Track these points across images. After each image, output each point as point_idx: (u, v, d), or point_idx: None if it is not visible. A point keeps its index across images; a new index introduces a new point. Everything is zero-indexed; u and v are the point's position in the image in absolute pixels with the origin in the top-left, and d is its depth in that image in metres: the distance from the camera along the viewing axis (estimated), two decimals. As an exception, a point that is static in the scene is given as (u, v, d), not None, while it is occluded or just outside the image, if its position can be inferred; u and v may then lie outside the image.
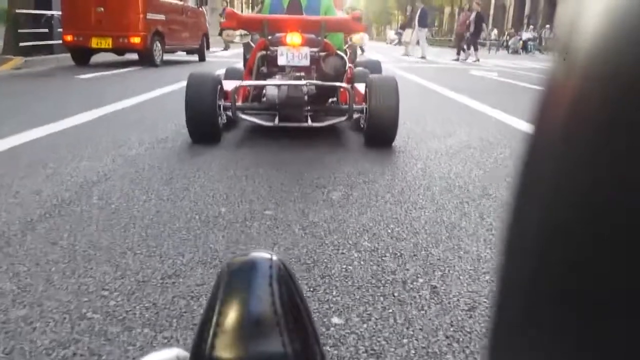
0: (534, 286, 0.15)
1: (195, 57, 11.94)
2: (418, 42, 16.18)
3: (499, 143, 3.43)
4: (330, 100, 3.58)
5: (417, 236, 1.83)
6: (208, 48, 13.49)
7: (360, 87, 3.66)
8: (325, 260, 1.62)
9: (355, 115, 3.22)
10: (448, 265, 1.60)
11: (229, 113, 3.17)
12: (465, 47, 15.73)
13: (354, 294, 1.41)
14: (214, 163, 2.71)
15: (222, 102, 3.20)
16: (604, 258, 0.12)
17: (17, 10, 9.42)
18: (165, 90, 5.73)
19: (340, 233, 1.83)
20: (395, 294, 1.42)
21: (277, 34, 3.39)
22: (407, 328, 1.26)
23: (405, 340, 1.21)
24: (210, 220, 1.91)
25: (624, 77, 0.12)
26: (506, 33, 34.46)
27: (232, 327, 0.25)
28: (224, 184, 2.36)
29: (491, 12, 50.55)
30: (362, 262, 1.60)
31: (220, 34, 4.03)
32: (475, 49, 15.48)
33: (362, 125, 3.32)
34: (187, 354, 0.28)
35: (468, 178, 2.57)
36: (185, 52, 11.81)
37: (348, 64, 3.06)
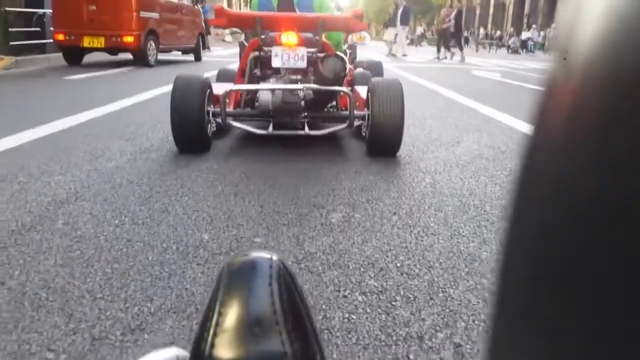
0: (534, 286, 0.15)
1: (191, 57, 11.65)
2: (396, 40, 15.87)
3: (512, 152, 3.16)
4: (328, 105, 3.31)
5: (431, 272, 1.56)
6: (205, 47, 13.24)
7: (361, 90, 3.39)
8: (323, 305, 1.35)
9: (357, 123, 2.95)
10: (472, 312, 1.33)
11: (219, 120, 2.89)
12: (446, 45, 15.31)
13: (360, 358, 1.14)
14: (200, 177, 2.44)
15: (211, 108, 2.92)
16: (603, 258, 0.12)
17: (7, 8, 9.14)
18: (156, 92, 5.45)
19: (341, 268, 1.56)
20: (411, 356, 1.15)
21: (271, 33, 3.12)
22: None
23: None
24: (189, 252, 1.64)
25: (623, 77, 0.12)
26: (507, 33, 34.23)
27: (231, 327, 0.25)
28: (209, 203, 2.09)
29: (491, 10, 50.27)
30: (368, 309, 1.33)
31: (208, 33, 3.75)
32: (460, 48, 15.06)
33: (363, 134, 3.05)
34: (186, 354, 0.28)
35: (483, 195, 2.30)
36: (180, 52, 11.54)
37: (348, 66, 2.79)
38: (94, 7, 8.88)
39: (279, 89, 2.84)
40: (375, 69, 5.11)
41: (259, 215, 1.97)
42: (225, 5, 17.18)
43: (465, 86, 7.26)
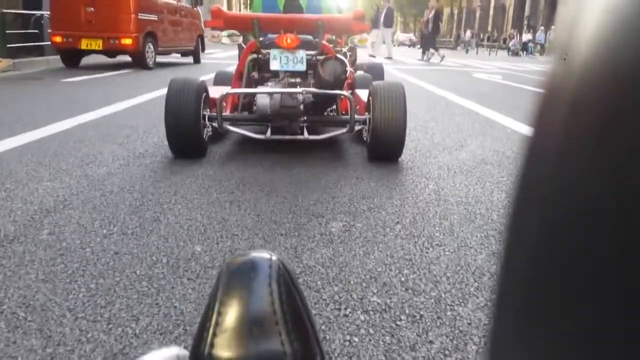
0: (534, 286, 0.15)
1: (191, 59, 11.56)
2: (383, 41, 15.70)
3: (517, 157, 3.06)
4: (328, 109, 3.21)
5: (438, 287, 1.46)
6: (203, 50, 13.15)
7: (362, 94, 3.30)
8: (323, 326, 1.25)
9: (357, 127, 2.86)
10: (483, 334, 1.23)
11: (215, 124, 2.80)
12: (429, 46, 15.09)
13: (362, 387, 1.04)
14: (195, 184, 2.34)
15: (207, 112, 2.83)
16: (603, 258, 0.12)
17: (4, 10, 9.06)
18: (154, 95, 5.37)
19: (342, 283, 1.46)
20: (417, 386, 1.05)
21: (270, 35, 3.03)
22: None
23: None
24: (180, 265, 1.54)
25: (623, 77, 0.12)
26: (508, 35, 34.20)
27: (231, 327, 0.25)
28: (203, 212, 1.99)
29: (491, 12, 50.24)
30: (371, 330, 1.23)
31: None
32: (435, 49, 14.85)
33: (365, 138, 2.95)
34: (187, 353, 0.28)
35: (490, 203, 2.20)
36: (179, 54, 11.46)
37: (349, 69, 2.70)
38: (92, 9, 8.80)
39: (277, 93, 2.75)
40: (376, 71, 5.02)
41: (255, 225, 1.87)
42: (225, 7, 17.11)
43: (466, 89, 7.17)
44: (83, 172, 2.48)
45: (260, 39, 2.97)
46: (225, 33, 3.33)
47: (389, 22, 15.37)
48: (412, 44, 42.31)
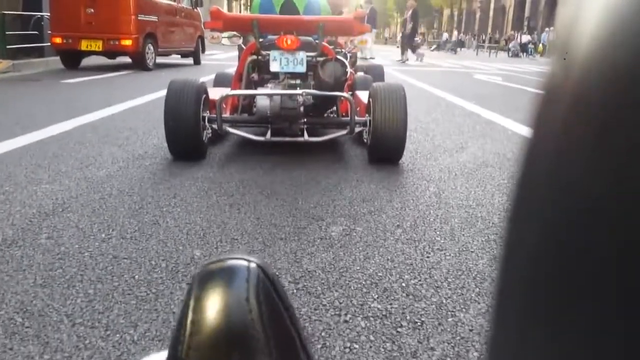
0: (534, 286, 0.15)
1: (191, 61, 11.56)
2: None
3: (517, 157, 3.05)
4: (328, 111, 3.20)
5: (439, 292, 1.45)
6: (204, 51, 13.15)
7: (363, 95, 3.29)
8: (322, 332, 1.24)
9: (358, 129, 2.84)
10: (485, 340, 1.22)
11: (215, 126, 2.79)
12: (411, 46, 14.88)
13: (362, 395, 1.03)
14: (194, 186, 2.33)
15: (207, 114, 2.82)
16: (603, 258, 0.12)
17: (4, 12, 9.05)
18: (154, 97, 5.35)
19: (342, 288, 1.45)
20: (419, 394, 1.04)
21: (270, 37, 3.02)
22: None
23: None
24: (179, 270, 1.53)
25: (623, 77, 0.12)
26: (508, 36, 34.23)
27: (206, 354, 0.22)
28: (202, 215, 1.98)
29: (490, 14, 50.25)
30: (371, 337, 1.22)
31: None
32: (413, 50, 14.66)
33: (365, 140, 2.94)
34: None
35: (491, 206, 2.19)
36: (180, 55, 11.45)
37: (349, 70, 2.69)
38: (92, 10, 8.80)
39: (277, 95, 2.74)
40: (376, 72, 5.01)
41: (254, 229, 1.86)
42: (225, 9, 17.04)
43: (466, 90, 7.17)
44: (82, 175, 2.47)
45: (260, 40, 2.96)
46: (225, 34, 3.32)
47: (372, 23, 15.33)
48: (418, 46, 41.97)
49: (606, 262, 0.12)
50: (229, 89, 3.18)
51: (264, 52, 2.93)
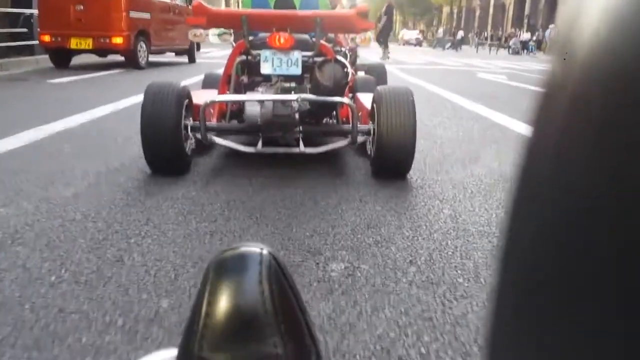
0: (533, 285, 0.15)
1: (185, 59, 11.22)
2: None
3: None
4: (327, 117, 2.88)
5: (468, 363, 1.13)
6: (199, 48, 12.81)
7: (365, 98, 2.97)
8: None
9: (360, 139, 2.53)
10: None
11: (199, 135, 2.47)
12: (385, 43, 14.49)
13: None
14: (172, 209, 2.01)
15: (190, 122, 2.50)
16: (603, 258, 0.12)
17: (-9, 9, 8.73)
18: (142, 98, 5.02)
19: (344, 358, 1.13)
20: None
21: (261, 34, 2.70)
22: None
23: None
24: (138, 330, 1.21)
25: (622, 77, 0.12)
26: (508, 34, 33.93)
27: (220, 329, 0.24)
28: (177, 247, 1.66)
29: (490, 11, 49.85)
30: None
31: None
32: (385, 46, 14.25)
33: (368, 151, 2.62)
34: None
35: (518, 233, 1.87)
36: (174, 53, 11.12)
37: (351, 72, 2.37)
38: (82, 7, 8.46)
39: (268, 100, 2.42)
40: (378, 72, 4.69)
41: (238, 267, 1.54)
42: (222, 5, 16.54)
43: (471, 90, 6.85)
44: (44, 195, 2.15)
45: (251, 38, 2.64)
46: (214, 31, 3.00)
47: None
48: (419, 43, 41.39)
49: (606, 262, 0.12)
50: (214, 92, 2.86)
51: (254, 52, 2.61)
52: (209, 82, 3.61)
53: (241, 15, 2.48)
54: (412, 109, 2.38)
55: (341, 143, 2.56)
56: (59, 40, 8.51)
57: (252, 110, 2.49)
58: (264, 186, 2.35)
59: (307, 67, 2.60)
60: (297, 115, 2.48)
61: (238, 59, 2.69)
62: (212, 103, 2.45)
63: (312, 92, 2.48)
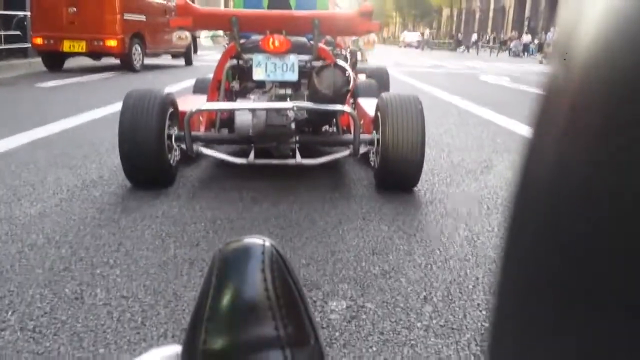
0: (534, 286, 0.15)
1: (182, 61, 11.00)
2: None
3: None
4: (326, 125, 2.64)
5: None
6: (196, 51, 12.59)
7: (367, 105, 2.74)
8: None
9: (363, 149, 2.28)
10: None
11: (184, 146, 2.23)
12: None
13: None
14: (149, 231, 1.77)
15: (174, 131, 2.26)
16: (603, 258, 0.12)
17: (-18, 11, 8.51)
18: (131, 103, 4.78)
19: None
20: None
21: (254, 37, 2.46)
22: None
23: None
24: (88, 399, 0.97)
25: (623, 77, 0.12)
26: (509, 36, 33.80)
27: (225, 314, 0.25)
28: (149, 281, 1.42)
29: (490, 14, 49.70)
30: None
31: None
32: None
33: (372, 163, 2.38)
34: None
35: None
36: (170, 56, 10.89)
37: (352, 77, 2.12)
38: (75, 9, 8.25)
39: (261, 109, 2.17)
40: (380, 76, 4.46)
41: (220, 306, 1.30)
42: (222, 5, 16.15)
43: (476, 94, 6.61)
44: (8, 213, 1.91)
45: (242, 41, 2.40)
46: (207, 33, 2.77)
47: None
48: (420, 45, 41.01)
49: (607, 262, 0.12)
50: (202, 98, 2.62)
51: (245, 56, 2.36)
52: (200, 88, 3.37)
53: (231, 16, 2.23)
54: (420, 119, 2.14)
55: (341, 154, 2.31)
56: (51, 43, 8.30)
57: (244, 118, 2.24)
58: (256, 201, 2.11)
59: (304, 72, 2.36)
60: (292, 125, 2.23)
61: (228, 64, 2.45)
62: (198, 112, 2.21)
63: (309, 99, 2.23)
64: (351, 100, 2.81)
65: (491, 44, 32.85)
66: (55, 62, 8.62)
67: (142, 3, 9.05)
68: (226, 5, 27.48)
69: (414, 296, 1.37)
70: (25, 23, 9.61)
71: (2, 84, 6.38)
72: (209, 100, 2.54)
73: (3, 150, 2.85)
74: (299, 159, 2.26)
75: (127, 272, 1.46)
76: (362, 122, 2.43)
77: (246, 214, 1.96)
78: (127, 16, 8.50)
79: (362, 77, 4.04)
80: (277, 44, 2.23)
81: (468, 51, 30.08)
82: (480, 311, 1.31)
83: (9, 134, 3.23)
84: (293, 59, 2.27)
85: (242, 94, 2.47)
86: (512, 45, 29.51)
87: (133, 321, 1.21)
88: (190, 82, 6.24)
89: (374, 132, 2.31)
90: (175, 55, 10.86)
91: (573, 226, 0.13)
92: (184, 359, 0.26)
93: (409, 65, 13.35)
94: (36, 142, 3.08)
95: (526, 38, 30.63)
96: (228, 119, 2.54)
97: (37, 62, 8.84)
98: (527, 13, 41.01)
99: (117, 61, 8.76)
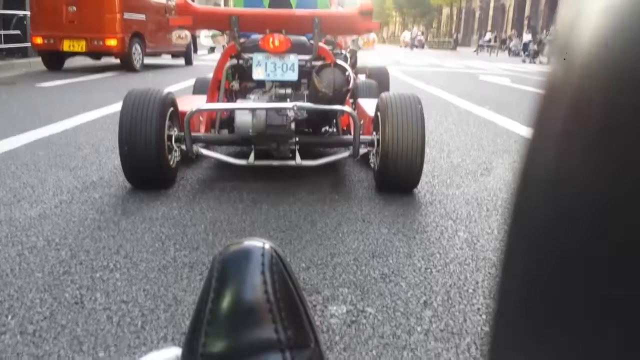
0: (534, 286, 0.15)
1: (182, 61, 10.99)
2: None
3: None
4: (327, 126, 2.64)
5: None
6: (196, 50, 12.59)
7: (367, 105, 2.74)
8: None
9: (363, 150, 2.28)
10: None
11: (184, 147, 2.23)
12: None
13: None
14: (149, 233, 1.77)
15: (174, 132, 2.25)
16: (603, 257, 0.12)
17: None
18: (131, 103, 4.78)
19: None
20: None
21: (253, 36, 2.46)
22: None
23: None
24: (88, 405, 0.97)
25: (623, 77, 0.12)
26: (508, 36, 33.75)
27: (225, 316, 0.25)
28: (149, 285, 1.42)
29: (490, 13, 49.64)
30: None
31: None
32: None
33: (372, 164, 2.38)
34: None
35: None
36: (170, 55, 10.88)
37: (352, 77, 2.12)
38: (74, 8, 8.24)
39: (261, 109, 2.17)
40: (380, 76, 4.45)
41: (220, 310, 1.30)
42: (222, 4, 16.19)
43: (476, 93, 6.61)
44: (7, 215, 1.90)
45: (242, 40, 2.39)
46: (206, 32, 2.76)
47: None
48: (421, 45, 40.71)
49: (607, 262, 0.12)
50: (202, 98, 2.62)
51: (245, 56, 2.36)
52: (200, 88, 3.37)
53: (231, 15, 2.23)
54: (420, 119, 2.13)
55: (341, 155, 2.31)
56: (51, 43, 8.30)
57: (244, 119, 2.24)
58: (256, 202, 2.10)
59: (305, 72, 2.36)
60: (292, 125, 2.23)
61: (228, 63, 2.45)
62: (198, 112, 2.20)
63: (309, 99, 2.24)
64: (351, 101, 2.80)
65: (492, 42, 32.71)
66: (55, 61, 8.61)
67: (142, 2, 9.03)
68: (226, 4, 27.44)
69: (414, 300, 1.37)
70: (25, 22, 9.60)
71: (1, 84, 6.37)
72: (208, 100, 2.54)
73: (3, 150, 2.85)
74: (298, 160, 2.26)
75: (126, 276, 1.46)
76: (362, 122, 2.43)
77: (246, 216, 1.96)
78: (127, 15, 8.49)
79: (362, 77, 4.04)
80: (277, 43, 2.23)
81: (490, 53, 29.15)
82: (480, 315, 1.31)
83: (9, 134, 3.23)
84: (293, 58, 2.27)
85: (243, 93, 2.47)
86: (511, 44, 29.45)
87: (133, 325, 1.21)
88: (190, 82, 6.24)
89: (374, 132, 2.30)
90: (175, 55, 10.86)
91: (573, 227, 0.13)
92: None
93: (408, 65, 13.34)
94: (36, 142, 3.08)
95: (526, 37, 30.58)
96: (228, 119, 2.54)
97: (37, 61, 8.83)
98: (527, 12, 40.98)
99: (117, 61, 8.76)
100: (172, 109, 2.24)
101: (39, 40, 8.36)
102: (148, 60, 9.46)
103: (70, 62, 8.90)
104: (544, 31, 28.40)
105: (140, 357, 0.29)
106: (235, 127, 2.25)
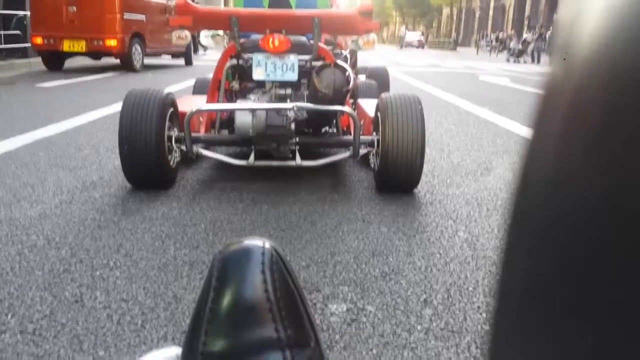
0: (534, 286, 0.15)
1: (182, 61, 11.00)
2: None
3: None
4: (327, 127, 2.64)
5: None
6: (196, 50, 12.60)
7: (367, 105, 2.74)
8: None
9: (363, 151, 2.28)
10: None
11: (184, 147, 2.23)
12: None
13: None
14: (149, 233, 1.77)
15: (174, 132, 2.25)
16: (603, 258, 0.12)
17: (-19, 11, 8.51)
18: (131, 103, 4.78)
19: None
20: None
21: (253, 36, 2.46)
22: None
23: None
24: (89, 403, 0.97)
25: (623, 77, 0.12)
26: (508, 36, 33.74)
27: (225, 315, 0.25)
28: (149, 283, 1.42)
29: (490, 13, 49.65)
30: None
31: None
32: None
33: (372, 165, 2.38)
34: None
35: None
36: (170, 56, 10.89)
37: (352, 77, 2.12)
38: (74, 9, 8.25)
39: (261, 109, 2.17)
40: (380, 76, 4.46)
41: (220, 309, 1.30)
42: (221, 5, 16.21)
43: (476, 94, 6.61)
44: (8, 215, 1.91)
45: (242, 40, 2.40)
46: (207, 32, 2.76)
47: None
48: (421, 45, 40.80)
49: (608, 262, 0.12)
50: (201, 98, 2.62)
51: (245, 56, 2.36)
52: (200, 88, 3.37)
53: (231, 15, 2.23)
54: (420, 119, 2.14)
55: (342, 155, 2.31)
56: (51, 43, 8.30)
57: (244, 119, 2.24)
58: (256, 202, 2.11)
59: (305, 72, 2.36)
60: (292, 125, 2.23)
61: (228, 64, 2.45)
62: (198, 112, 2.21)
63: (309, 100, 2.24)
64: (351, 101, 2.80)
65: (493, 43, 32.71)
66: (55, 61, 8.62)
67: (142, 3, 9.04)
68: (226, 4, 27.41)
69: (414, 298, 1.37)
70: (25, 22, 9.60)
71: (1, 84, 6.37)
72: (208, 100, 2.54)
73: (3, 151, 2.85)
74: (299, 161, 2.26)
75: (126, 275, 1.46)
76: (362, 122, 2.43)
77: (246, 215, 1.96)
78: (127, 16, 8.49)
79: (362, 77, 4.04)
80: (277, 43, 2.23)
81: (497, 55, 26.33)
82: (481, 314, 1.31)
83: (9, 134, 3.23)
84: (293, 58, 2.27)
85: (243, 94, 2.47)
86: (511, 44, 29.46)
87: (133, 324, 1.22)
88: (190, 82, 6.24)
89: (374, 133, 2.31)
90: (175, 55, 10.86)
91: (573, 227, 0.13)
92: None
93: (408, 65, 13.35)
94: (36, 142, 3.08)
95: (527, 37, 30.59)
96: (228, 119, 2.54)
97: (36, 61, 8.84)
98: (527, 12, 40.99)
99: (117, 61, 8.76)
100: (172, 109, 2.25)
101: (39, 41, 8.37)
102: (148, 61, 9.47)
103: (70, 62, 8.90)
104: (531, 31, 28.25)
105: (141, 356, 0.27)
106: (235, 128, 2.25)
